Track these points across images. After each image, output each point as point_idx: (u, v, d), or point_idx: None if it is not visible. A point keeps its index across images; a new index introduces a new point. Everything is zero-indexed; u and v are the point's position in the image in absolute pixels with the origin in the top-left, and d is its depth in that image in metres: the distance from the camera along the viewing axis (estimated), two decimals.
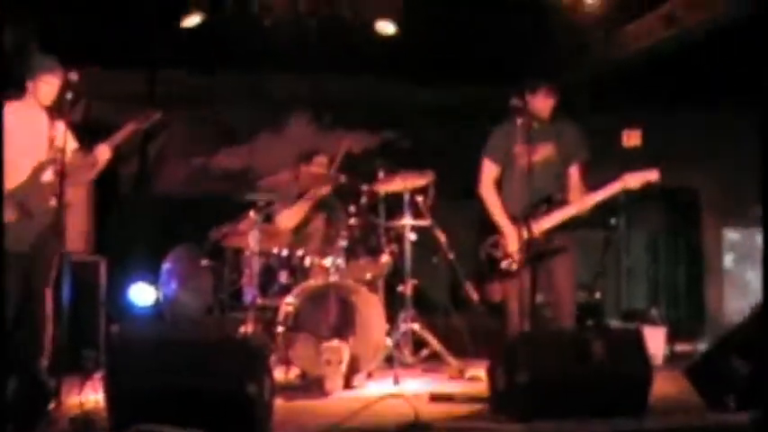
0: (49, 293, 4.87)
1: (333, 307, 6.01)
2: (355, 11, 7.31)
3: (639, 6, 7.39)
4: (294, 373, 6.01)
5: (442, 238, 6.68)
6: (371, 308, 6.08)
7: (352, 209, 6.54)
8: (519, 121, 5.50)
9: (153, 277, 7.87)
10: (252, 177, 7.77)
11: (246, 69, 8.66)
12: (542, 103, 5.76)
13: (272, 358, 5.97)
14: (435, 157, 8.96)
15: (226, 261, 6.64)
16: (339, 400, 5.49)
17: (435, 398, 5.34)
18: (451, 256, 6.66)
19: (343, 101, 8.87)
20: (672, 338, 7.31)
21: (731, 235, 9.13)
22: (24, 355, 4.38)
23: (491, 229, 5.78)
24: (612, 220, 8.38)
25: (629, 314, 8.28)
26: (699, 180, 9.47)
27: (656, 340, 6.79)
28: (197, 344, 4.71)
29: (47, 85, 5.39)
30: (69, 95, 4.77)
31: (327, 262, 6.27)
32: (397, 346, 6.35)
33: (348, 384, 5.81)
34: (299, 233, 6.68)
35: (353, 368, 5.86)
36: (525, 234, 5.46)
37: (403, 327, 6.58)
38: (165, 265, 7.89)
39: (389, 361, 6.17)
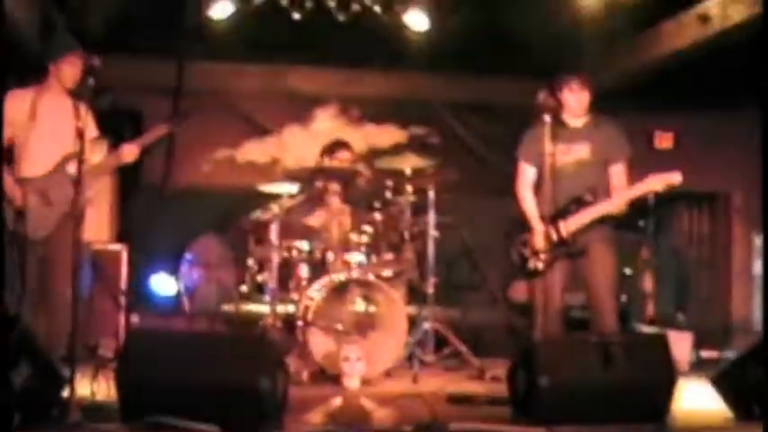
0: (66, 281, 4.83)
1: (354, 303, 5.97)
2: (385, 5, 7.25)
3: (674, 5, 7.27)
4: (312, 368, 5.95)
5: (466, 235, 6.61)
6: (393, 305, 6.03)
7: (375, 204, 6.48)
8: (546, 118, 5.35)
9: (175, 267, 7.85)
10: (277, 170, 7.73)
11: (274, 62, 8.63)
12: (576, 98, 5.60)
13: (291, 353, 5.92)
14: (464, 154, 8.92)
15: (248, 253, 6.59)
16: (356, 397, 5.42)
17: (453, 399, 5.25)
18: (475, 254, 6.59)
19: (371, 95, 8.81)
20: (698, 344, 7.21)
21: (761, 241, 8.97)
22: (39, 341, 4.33)
23: (521, 227, 5.70)
24: (641, 223, 8.26)
25: (656, 319, 8.16)
26: (730, 184, 9.35)
27: (682, 346, 6.70)
28: (211, 337, 4.68)
29: (70, 67, 5.33)
30: (91, 81, 4.69)
31: (350, 257, 6.21)
32: (417, 343, 6.29)
33: (366, 382, 5.74)
34: (322, 227, 6.61)
35: (373, 365, 5.80)
36: (553, 235, 5.43)
37: (424, 325, 6.52)
38: (187, 256, 7.87)
39: (410, 359, 6.11)
